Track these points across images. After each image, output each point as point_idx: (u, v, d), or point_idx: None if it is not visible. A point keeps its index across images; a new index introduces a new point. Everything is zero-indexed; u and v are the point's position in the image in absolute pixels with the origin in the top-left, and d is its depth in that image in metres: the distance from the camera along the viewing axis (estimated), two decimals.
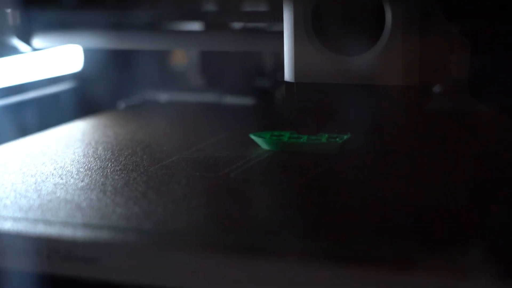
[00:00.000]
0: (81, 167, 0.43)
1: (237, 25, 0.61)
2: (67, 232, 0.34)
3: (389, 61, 0.42)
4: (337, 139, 0.46)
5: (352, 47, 0.43)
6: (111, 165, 0.44)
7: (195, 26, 0.64)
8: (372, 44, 0.43)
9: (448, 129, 0.51)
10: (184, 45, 0.60)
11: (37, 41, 0.57)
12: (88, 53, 0.62)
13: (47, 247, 0.33)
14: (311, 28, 0.44)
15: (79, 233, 0.34)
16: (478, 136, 0.47)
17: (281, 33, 0.45)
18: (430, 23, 0.44)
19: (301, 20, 0.44)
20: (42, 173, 0.42)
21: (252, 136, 0.48)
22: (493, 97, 0.46)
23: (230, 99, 0.62)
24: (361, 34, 0.43)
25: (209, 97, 0.63)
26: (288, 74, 0.45)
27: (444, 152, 0.45)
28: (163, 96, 0.65)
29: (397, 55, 0.42)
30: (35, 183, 0.41)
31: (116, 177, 0.42)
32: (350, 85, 0.44)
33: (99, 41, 0.57)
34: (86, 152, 0.47)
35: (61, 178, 0.41)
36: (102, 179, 0.41)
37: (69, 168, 0.43)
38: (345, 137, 0.46)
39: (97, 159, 0.45)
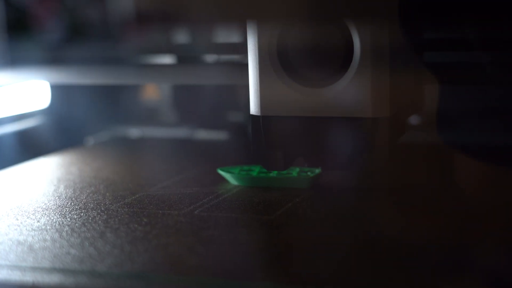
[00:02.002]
0: (39, 207, 0.41)
1: (210, 58, 0.59)
2: (14, 277, 0.31)
3: (358, 92, 0.40)
4: (309, 173, 0.44)
5: (319, 79, 0.41)
6: (71, 203, 0.42)
7: (167, 59, 0.62)
8: (341, 75, 0.41)
9: (421, 162, 0.49)
10: (155, 79, 0.59)
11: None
12: (56, 88, 0.60)
13: None
14: (276, 59, 0.42)
15: (27, 278, 0.31)
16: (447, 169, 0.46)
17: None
18: (400, 53, 0.42)
19: (267, 52, 0.42)
20: None
21: (220, 171, 0.46)
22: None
23: (203, 134, 0.61)
24: (328, 64, 0.41)
25: (181, 132, 0.61)
26: (254, 107, 0.43)
27: (418, 186, 0.44)
28: (134, 132, 0.63)
29: (366, 86, 0.41)
30: None
31: (75, 216, 0.39)
32: (318, 118, 0.42)
33: (68, 77, 0.55)
34: (46, 191, 0.45)
35: (16, 219, 0.39)
36: (59, 219, 0.39)
37: (26, 207, 0.41)
38: (317, 171, 0.44)
39: (57, 197, 0.43)
